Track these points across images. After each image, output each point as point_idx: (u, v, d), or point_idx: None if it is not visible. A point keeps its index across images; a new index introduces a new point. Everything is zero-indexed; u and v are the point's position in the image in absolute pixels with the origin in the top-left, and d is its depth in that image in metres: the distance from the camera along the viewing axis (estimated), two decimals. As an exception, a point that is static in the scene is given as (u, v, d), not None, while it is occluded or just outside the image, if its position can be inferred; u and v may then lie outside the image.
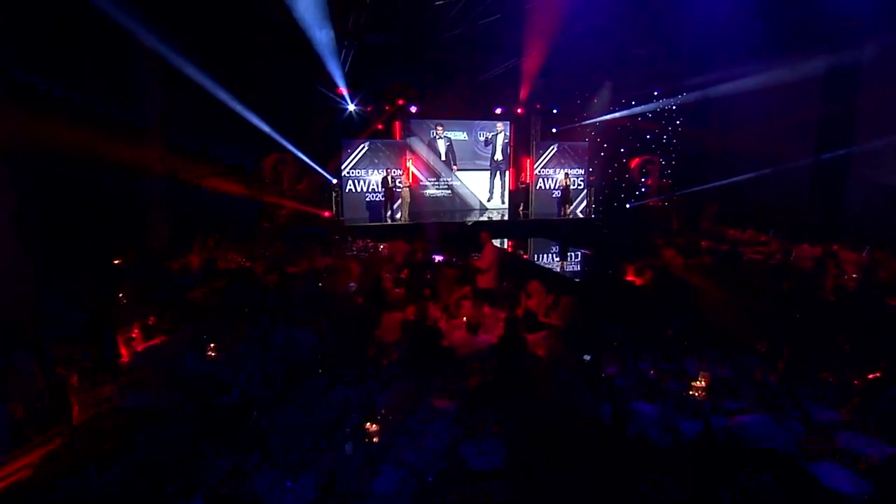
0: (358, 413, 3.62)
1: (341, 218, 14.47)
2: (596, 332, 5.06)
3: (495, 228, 15.12)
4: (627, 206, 16.94)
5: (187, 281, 7.77)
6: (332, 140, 14.84)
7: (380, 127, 15.85)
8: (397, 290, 7.15)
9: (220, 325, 5.23)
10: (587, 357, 4.28)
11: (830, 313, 7.05)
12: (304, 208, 13.75)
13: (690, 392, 4.15)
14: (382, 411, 3.66)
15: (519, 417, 3.54)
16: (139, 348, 5.37)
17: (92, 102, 9.87)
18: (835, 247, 10.66)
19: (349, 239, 11.78)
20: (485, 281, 7.28)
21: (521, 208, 16.35)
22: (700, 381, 4.18)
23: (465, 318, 5.58)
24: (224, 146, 12.98)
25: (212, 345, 4.56)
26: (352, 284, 7.65)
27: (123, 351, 5.31)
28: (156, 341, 5.15)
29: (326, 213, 14.24)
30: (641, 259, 12.80)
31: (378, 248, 10.86)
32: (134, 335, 5.58)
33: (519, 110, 17.13)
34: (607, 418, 3.58)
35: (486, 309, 6.00)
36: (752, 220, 14.97)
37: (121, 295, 6.25)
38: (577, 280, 10.30)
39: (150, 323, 5.85)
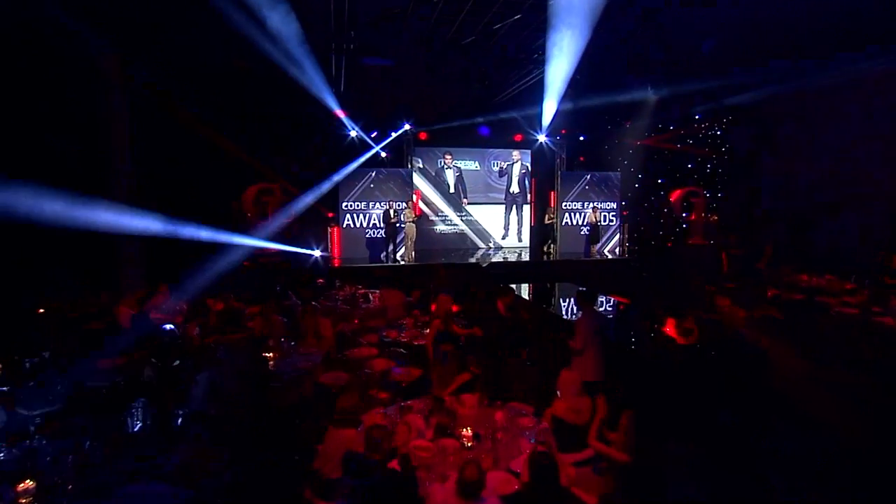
0: None
1: (325, 255, 12.46)
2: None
3: (514, 270, 12.99)
4: (668, 245, 14.61)
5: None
6: (328, 169, 13.05)
7: (384, 155, 14.05)
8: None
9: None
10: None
11: None
12: (287, 247, 11.81)
13: None
14: None
15: None
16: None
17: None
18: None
19: (337, 284, 9.71)
20: (586, 368, 4.67)
21: (546, 247, 14.13)
22: None
23: (466, 442, 3.35)
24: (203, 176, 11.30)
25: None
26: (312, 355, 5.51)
27: None
28: None
29: (316, 252, 12.30)
30: (691, 310, 10.65)
31: (368, 296, 8.75)
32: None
33: (541, 137, 15.21)
34: None
35: (499, 415, 3.77)
36: (821, 262, 12.51)
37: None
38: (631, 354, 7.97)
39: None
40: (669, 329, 10.41)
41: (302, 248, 12.04)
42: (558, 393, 3.83)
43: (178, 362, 4.81)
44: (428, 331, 5.93)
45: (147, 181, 10.85)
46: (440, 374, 4.48)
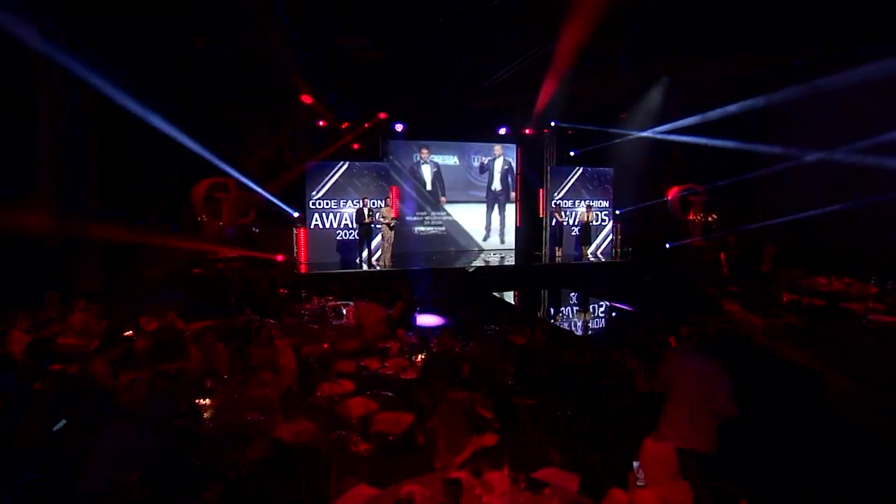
0: None
1: (289, 260, 10.87)
2: None
3: (504, 276, 11.70)
4: (668, 246, 13.59)
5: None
6: (293, 162, 11.48)
7: (355, 147, 12.57)
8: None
9: None
10: None
11: None
12: (246, 252, 10.19)
13: None
14: None
15: None
16: None
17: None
18: None
19: (303, 295, 8.23)
20: (679, 432, 3.14)
21: (558, 251, 13.02)
22: None
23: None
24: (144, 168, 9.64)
25: None
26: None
27: None
28: None
29: (279, 257, 10.73)
30: (699, 317, 9.64)
31: (341, 310, 7.30)
32: None
33: (527, 130, 13.99)
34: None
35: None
36: (827, 263, 11.66)
37: None
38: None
39: None
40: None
41: (262, 251, 10.46)
42: (639, 473, 2.52)
43: (63, 423, 3.30)
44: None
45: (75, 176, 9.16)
46: (448, 435, 3.11)
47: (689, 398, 3.14)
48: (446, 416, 3.12)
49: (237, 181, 10.30)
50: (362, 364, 5.06)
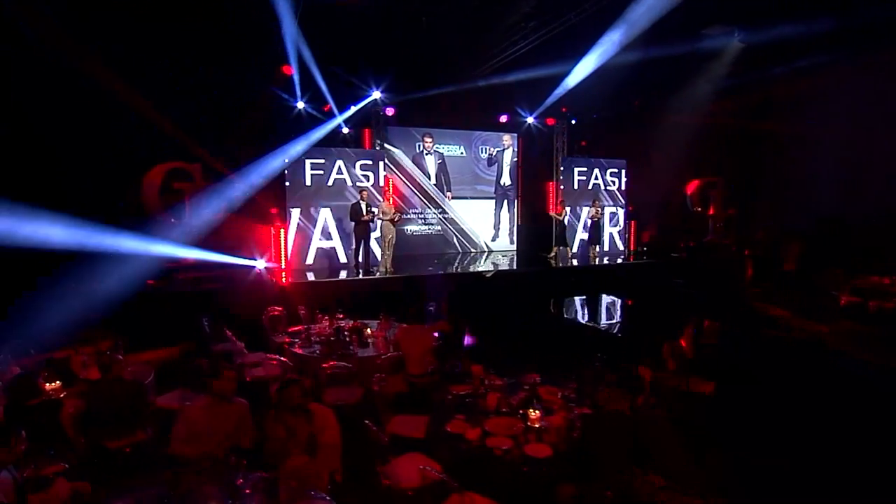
0: None
1: (271, 266, 8.75)
2: None
3: (521, 281, 10.09)
4: (692, 244, 12.36)
5: None
6: (272, 146, 9.38)
7: (345, 131, 10.59)
8: None
9: None
10: None
11: None
12: (216, 258, 8.02)
13: None
14: None
15: None
16: None
17: None
18: None
19: (301, 313, 6.23)
20: None
21: (594, 252, 11.85)
22: None
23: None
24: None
25: None
26: None
27: None
28: None
29: (260, 263, 8.61)
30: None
31: (362, 333, 5.37)
32: None
33: (530, 119, 12.40)
34: None
35: None
36: (856, 260, 10.77)
37: None
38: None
39: None
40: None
41: (240, 257, 8.31)
42: None
43: None
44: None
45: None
46: None
47: None
48: None
49: (204, 166, 8.13)
50: (447, 430, 3.22)
